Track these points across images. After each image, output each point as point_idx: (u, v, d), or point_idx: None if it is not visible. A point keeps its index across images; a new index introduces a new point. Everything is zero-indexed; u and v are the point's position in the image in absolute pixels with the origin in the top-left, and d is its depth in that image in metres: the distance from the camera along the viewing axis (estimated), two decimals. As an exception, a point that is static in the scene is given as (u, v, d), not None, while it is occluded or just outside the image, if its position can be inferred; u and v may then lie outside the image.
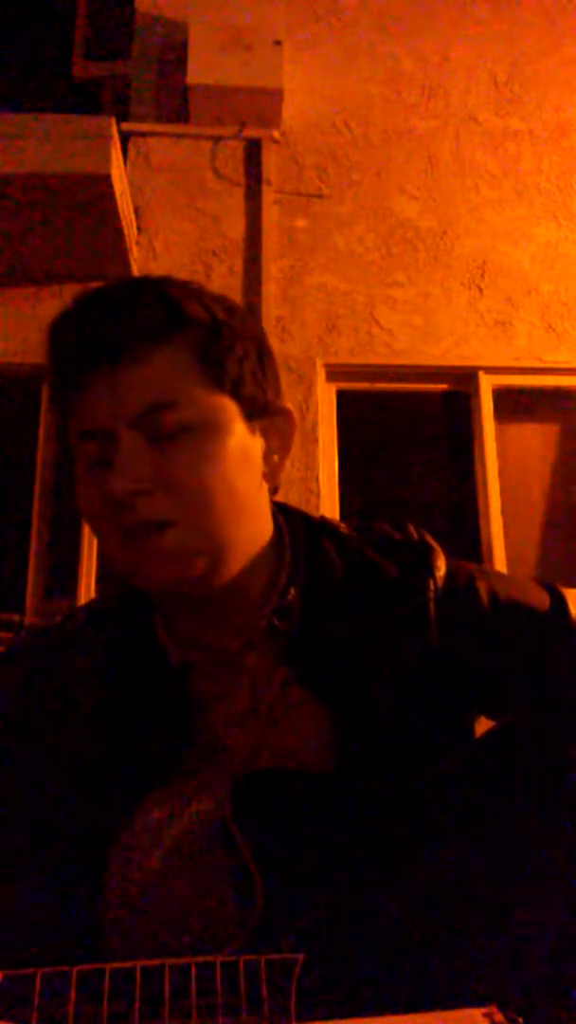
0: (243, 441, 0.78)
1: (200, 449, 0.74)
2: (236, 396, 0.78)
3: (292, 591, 0.82)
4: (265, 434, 0.81)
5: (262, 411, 0.80)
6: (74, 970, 0.48)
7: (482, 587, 0.84)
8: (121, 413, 0.73)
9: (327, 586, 0.83)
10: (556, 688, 0.79)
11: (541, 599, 0.85)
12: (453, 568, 0.85)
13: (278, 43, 3.81)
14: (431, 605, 0.81)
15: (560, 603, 0.84)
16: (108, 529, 0.75)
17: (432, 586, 0.82)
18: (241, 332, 0.79)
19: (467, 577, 0.85)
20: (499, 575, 0.91)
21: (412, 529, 0.88)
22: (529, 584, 0.89)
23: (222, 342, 0.77)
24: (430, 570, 0.83)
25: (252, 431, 0.79)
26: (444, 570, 0.84)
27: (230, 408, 0.77)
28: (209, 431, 0.75)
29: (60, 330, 0.77)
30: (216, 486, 0.75)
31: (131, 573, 0.76)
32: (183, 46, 3.86)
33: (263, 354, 0.82)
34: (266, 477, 0.82)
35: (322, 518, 0.91)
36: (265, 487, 0.82)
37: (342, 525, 0.90)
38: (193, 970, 0.49)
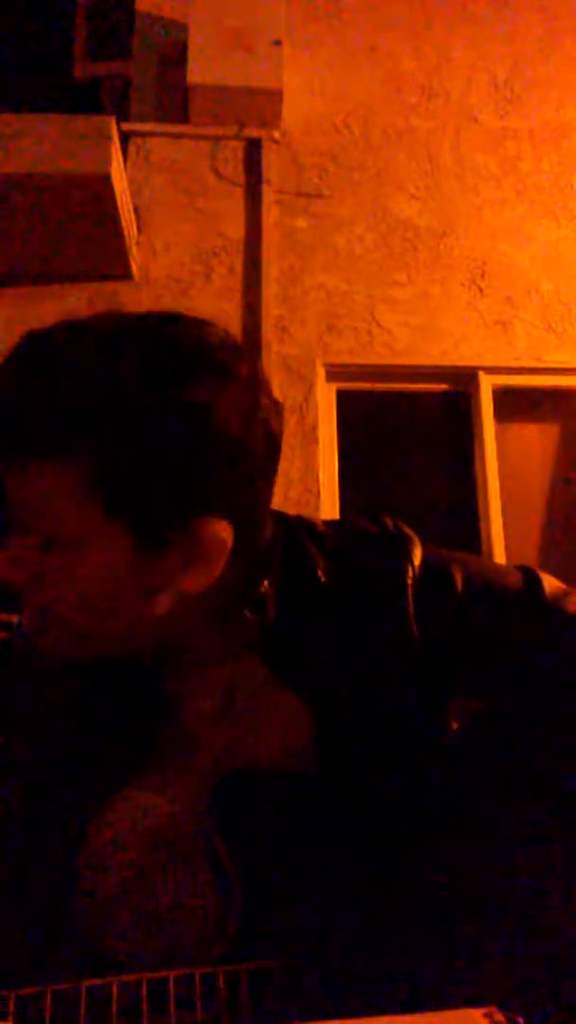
0: (126, 565, 0.72)
1: (67, 567, 0.72)
2: (129, 522, 0.71)
3: (265, 583, 0.80)
4: (171, 555, 0.73)
5: (167, 534, 0.73)
6: (49, 990, 0.48)
7: (456, 572, 0.83)
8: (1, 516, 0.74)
9: (305, 580, 0.82)
10: (535, 667, 0.78)
11: (515, 580, 0.84)
12: (429, 556, 0.84)
13: (278, 43, 3.80)
14: (410, 595, 0.80)
15: (534, 582, 0.83)
16: None
17: (411, 574, 0.81)
18: (156, 450, 0.70)
19: (442, 564, 0.84)
20: (473, 559, 0.89)
21: (388, 520, 0.88)
22: (502, 566, 0.89)
23: (114, 469, 0.70)
24: (408, 559, 0.82)
25: (150, 553, 0.73)
26: (421, 559, 0.83)
27: (116, 534, 0.71)
28: (82, 553, 0.72)
29: None
30: (75, 601, 0.73)
31: None
32: (183, 46, 3.86)
33: (193, 463, 0.71)
34: (170, 596, 0.74)
35: (298, 516, 0.89)
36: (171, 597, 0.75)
37: (318, 522, 0.89)
38: (171, 984, 0.50)
